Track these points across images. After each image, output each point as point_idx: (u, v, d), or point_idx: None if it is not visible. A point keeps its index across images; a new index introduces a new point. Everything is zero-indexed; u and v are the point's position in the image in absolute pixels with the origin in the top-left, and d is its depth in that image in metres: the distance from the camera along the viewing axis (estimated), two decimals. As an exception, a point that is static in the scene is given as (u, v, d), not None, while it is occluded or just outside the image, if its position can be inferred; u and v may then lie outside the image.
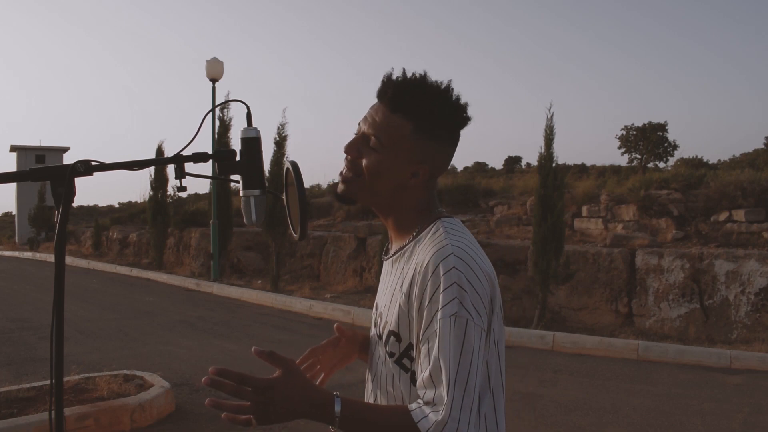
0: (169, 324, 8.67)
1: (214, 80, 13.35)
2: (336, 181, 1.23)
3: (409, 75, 1.14)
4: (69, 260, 17.75)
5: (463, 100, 1.16)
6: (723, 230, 9.12)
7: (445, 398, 0.99)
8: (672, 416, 4.77)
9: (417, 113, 1.13)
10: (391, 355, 1.15)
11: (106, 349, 6.88)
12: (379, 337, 1.21)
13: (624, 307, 8.21)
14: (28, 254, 24.09)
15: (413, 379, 1.12)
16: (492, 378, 1.12)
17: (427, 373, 1.03)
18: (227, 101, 1.53)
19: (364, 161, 1.16)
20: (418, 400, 1.04)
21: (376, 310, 1.28)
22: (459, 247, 1.07)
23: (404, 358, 1.13)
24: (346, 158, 1.19)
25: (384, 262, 1.28)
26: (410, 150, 1.14)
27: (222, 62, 13.36)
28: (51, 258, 19.20)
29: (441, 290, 1.03)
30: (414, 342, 1.10)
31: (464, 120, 1.17)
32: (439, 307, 1.03)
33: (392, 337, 1.14)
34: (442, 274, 1.04)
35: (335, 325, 1.36)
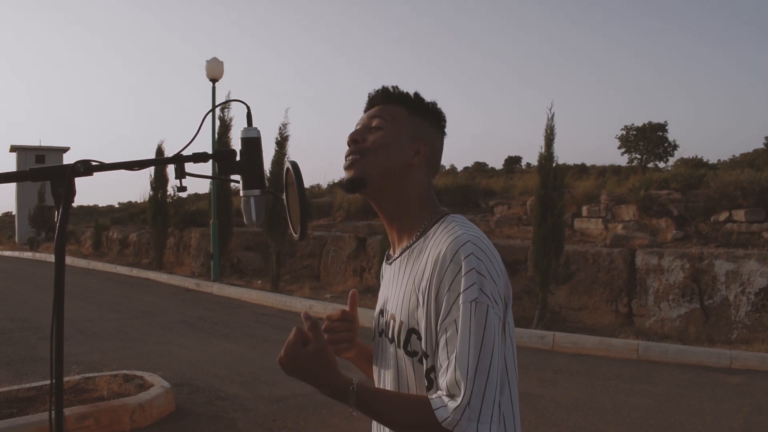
0: (169, 324, 8.67)
1: (214, 80, 13.36)
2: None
3: None
4: (69, 260, 17.75)
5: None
6: (723, 230, 9.12)
7: (465, 388, 0.98)
8: (672, 416, 4.77)
9: (407, 101, 1.24)
10: (413, 354, 1.12)
11: (106, 349, 6.88)
12: (391, 340, 1.18)
13: (624, 307, 8.21)
14: (28, 254, 24.10)
15: (428, 377, 1.09)
16: (509, 371, 1.11)
17: (446, 362, 1.02)
18: (227, 101, 1.52)
19: (370, 138, 1.21)
20: (439, 391, 1.03)
21: (382, 316, 1.25)
22: (475, 236, 1.08)
23: (425, 356, 1.10)
24: (349, 146, 1.22)
25: (387, 266, 1.27)
26: (409, 127, 1.22)
27: (222, 62, 13.38)
28: (51, 258, 19.20)
29: (461, 276, 1.03)
30: (432, 335, 1.08)
31: (442, 113, 1.27)
32: (460, 292, 1.02)
33: (413, 335, 1.12)
34: (462, 259, 1.04)
35: (351, 292, 1.36)
